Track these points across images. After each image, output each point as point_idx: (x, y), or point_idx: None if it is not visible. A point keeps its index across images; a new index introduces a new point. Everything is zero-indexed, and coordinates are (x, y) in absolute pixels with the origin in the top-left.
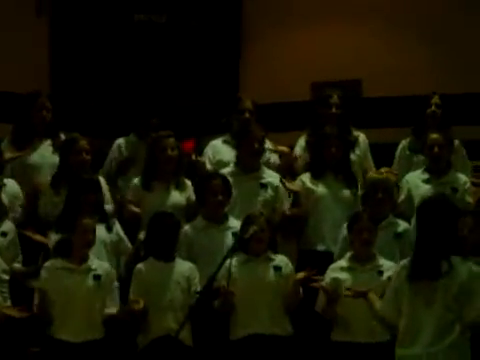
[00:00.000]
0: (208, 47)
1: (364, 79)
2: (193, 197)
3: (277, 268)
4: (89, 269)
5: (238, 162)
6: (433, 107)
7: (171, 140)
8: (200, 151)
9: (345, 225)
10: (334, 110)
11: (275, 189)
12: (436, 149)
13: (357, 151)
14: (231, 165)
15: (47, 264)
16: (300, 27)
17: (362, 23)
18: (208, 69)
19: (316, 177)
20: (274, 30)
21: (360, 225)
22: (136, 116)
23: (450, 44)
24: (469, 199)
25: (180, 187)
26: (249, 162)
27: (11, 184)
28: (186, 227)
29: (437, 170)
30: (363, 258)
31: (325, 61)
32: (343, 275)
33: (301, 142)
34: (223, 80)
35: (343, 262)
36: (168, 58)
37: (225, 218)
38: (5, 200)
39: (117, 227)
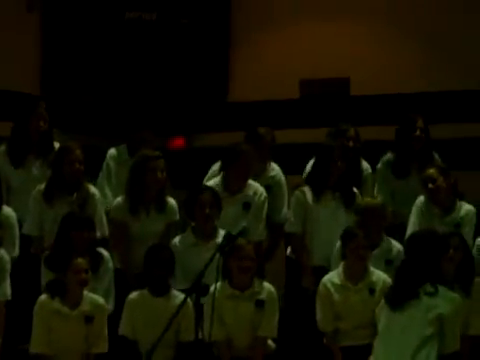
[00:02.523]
0: (198, 44)
1: (352, 77)
2: (175, 217)
3: (259, 303)
4: (82, 313)
5: (224, 182)
6: (418, 131)
7: (161, 162)
8: (190, 149)
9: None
10: (351, 143)
11: (257, 206)
12: (430, 185)
13: None
14: (217, 183)
15: (42, 299)
16: (289, 24)
17: (350, 21)
18: (198, 66)
19: (315, 194)
20: (263, 28)
21: (356, 242)
22: (127, 124)
23: (438, 42)
24: (470, 233)
25: (161, 210)
26: (236, 185)
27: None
28: (176, 240)
29: (439, 204)
30: (357, 274)
31: (314, 59)
32: (335, 295)
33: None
34: (212, 77)
35: (336, 278)
36: (158, 55)
37: (214, 234)
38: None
39: (106, 269)
